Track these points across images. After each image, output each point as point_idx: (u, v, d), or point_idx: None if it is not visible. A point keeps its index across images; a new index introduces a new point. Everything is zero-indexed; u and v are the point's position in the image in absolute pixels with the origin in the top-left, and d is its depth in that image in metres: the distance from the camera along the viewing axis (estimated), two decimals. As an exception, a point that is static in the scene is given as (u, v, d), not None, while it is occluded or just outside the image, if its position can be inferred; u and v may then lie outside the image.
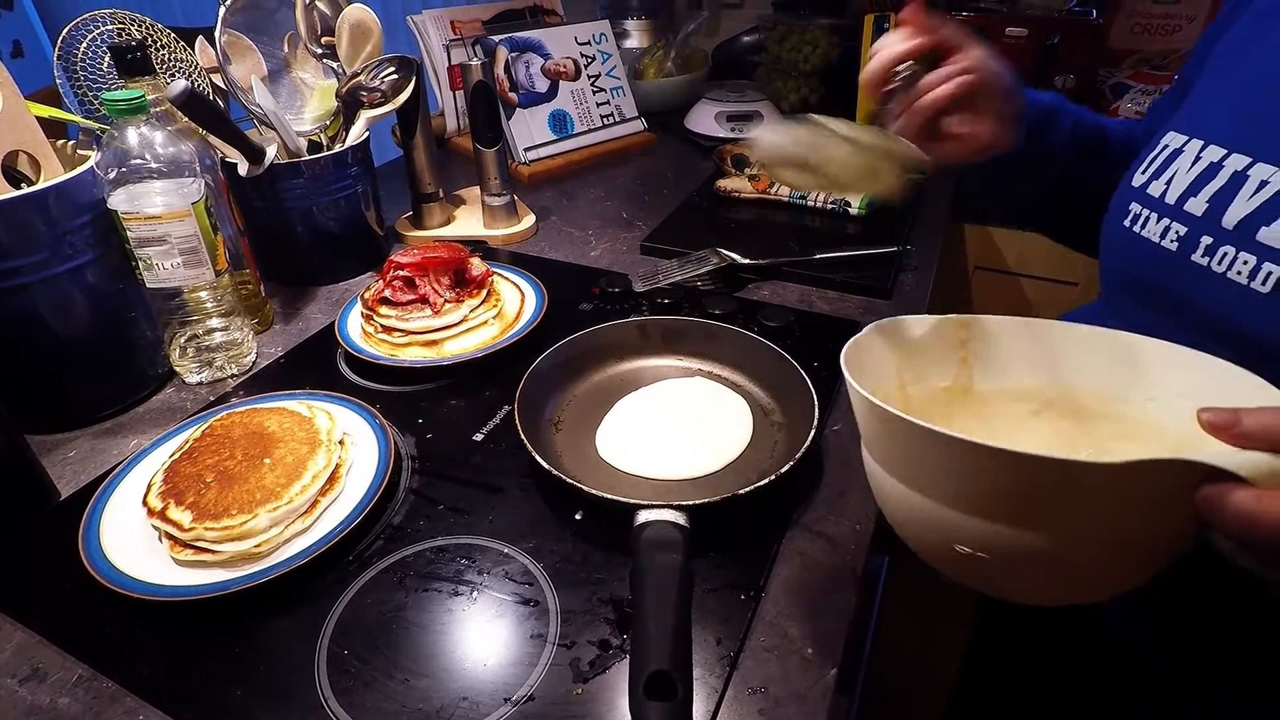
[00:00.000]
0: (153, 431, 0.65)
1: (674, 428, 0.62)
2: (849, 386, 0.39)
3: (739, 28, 1.60)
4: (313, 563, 0.49)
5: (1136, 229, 0.52)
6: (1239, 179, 0.46)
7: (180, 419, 0.66)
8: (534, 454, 0.54)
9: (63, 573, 0.50)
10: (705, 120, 1.29)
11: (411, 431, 0.63)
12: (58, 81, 0.75)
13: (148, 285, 0.65)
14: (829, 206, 0.98)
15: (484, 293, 0.75)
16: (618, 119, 1.26)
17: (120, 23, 0.76)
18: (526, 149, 1.17)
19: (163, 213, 0.62)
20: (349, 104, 0.85)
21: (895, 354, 0.46)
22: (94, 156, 0.63)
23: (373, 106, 0.85)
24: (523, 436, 0.56)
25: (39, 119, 0.62)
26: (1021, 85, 0.59)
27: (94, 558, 0.49)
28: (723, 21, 1.65)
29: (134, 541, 0.51)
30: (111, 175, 0.61)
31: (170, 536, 0.50)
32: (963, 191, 1.10)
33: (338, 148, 0.84)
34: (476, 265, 0.76)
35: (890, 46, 0.55)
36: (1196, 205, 0.48)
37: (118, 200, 0.61)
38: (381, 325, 0.72)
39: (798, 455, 0.53)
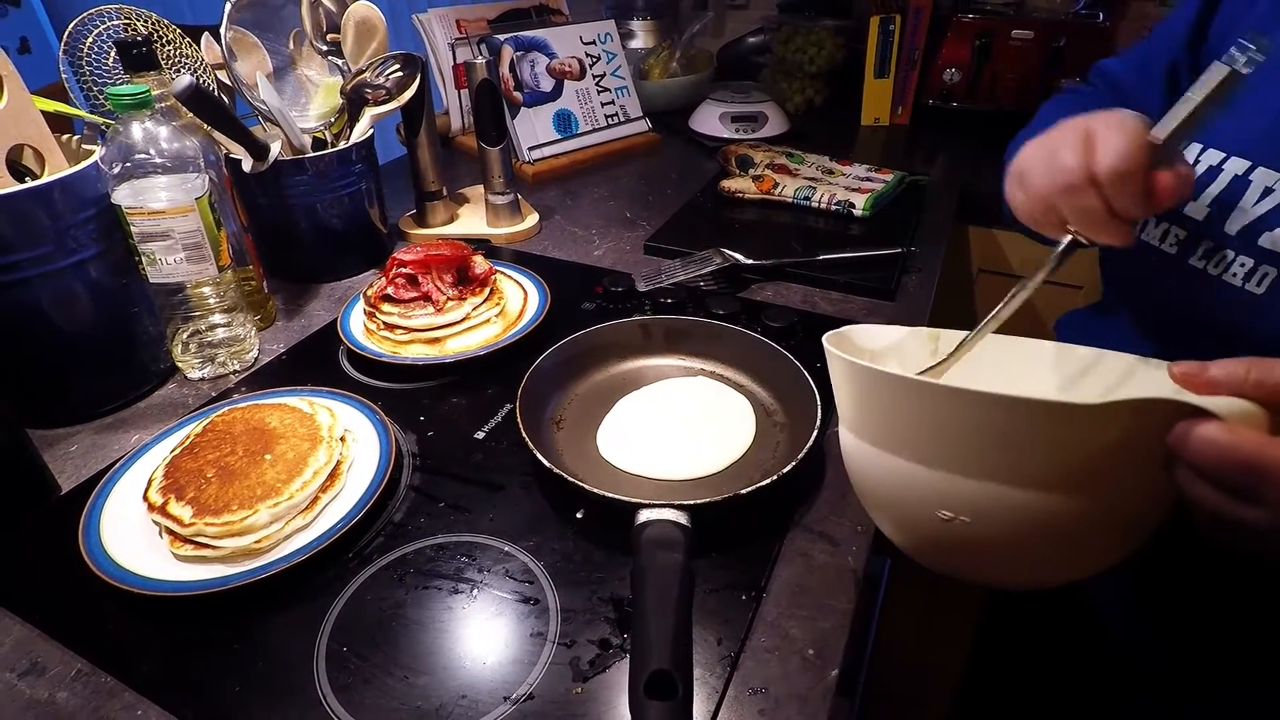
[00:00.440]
0: (154, 427, 0.65)
1: (676, 427, 0.61)
2: (829, 357, 0.39)
3: (744, 28, 1.60)
4: (313, 559, 0.49)
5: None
6: (1240, 184, 0.46)
7: (182, 414, 0.66)
8: (535, 452, 0.54)
9: (63, 567, 0.50)
10: (710, 121, 1.29)
11: (413, 429, 0.63)
12: (63, 76, 0.75)
13: (151, 280, 0.65)
14: (833, 208, 0.97)
15: (487, 291, 0.75)
16: (622, 119, 1.26)
17: (126, 18, 0.76)
18: (531, 148, 1.16)
19: (166, 208, 0.62)
20: (354, 101, 0.85)
21: (867, 357, 0.46)
22: (98, 151, 0.63)
23: (377, 104, 0.85)
24: (524, 434, 0.56)
25: (44, 113, 0.62)
26: None
27: (94, 552, 0.49)
28: (728, 22, 1.65)
29: (134, 537, 0.51)
30: (116, 170, 0.61)
31: (170, 532, 0.50)
32: (969, 194, 1.10)
33: (342, 145, 0.84)
34: (479, 263, 0.76)
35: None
36: (1197, 209, 0.48)
37: (122, 195, 0.61)
38: (384, 322, 0.71)
39: (800, 455, 0.53)
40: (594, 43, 1.24)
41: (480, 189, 1.00)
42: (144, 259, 0.64)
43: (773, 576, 0.49)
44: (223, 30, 0.78)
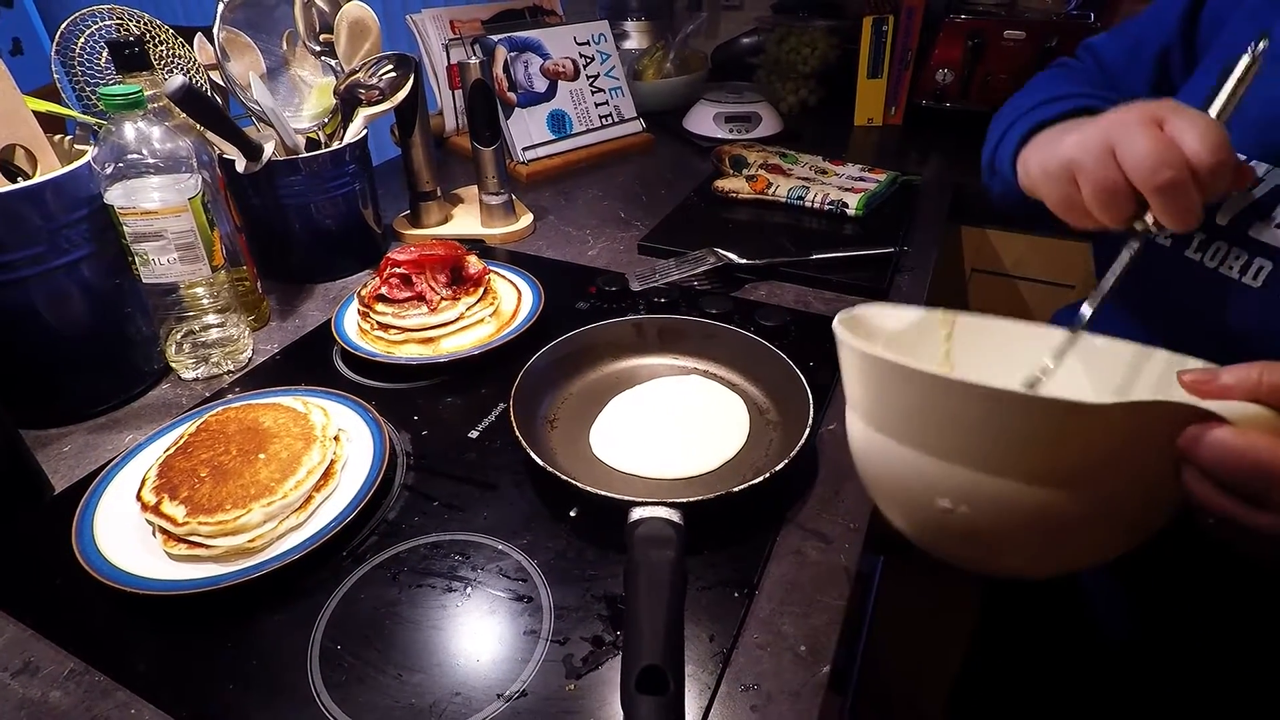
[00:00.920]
0: (148, 427, 0.65)
1: (669, 426, 0.62)
2: (840, 346, 0.39)
3: (738, 29, 1.60)
4: (306, 558, 0.49)
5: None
6: None
7: (175, 414, 0.66)
8: (529, 451, 0.54)
9: (56, 567, 0.50)
10: (704, 121, 1.30)
11: (407, 428, 0.63)
12: (56, 76, 0.75)
13: (144, 281, 0.65)
14: (826, 208, 0.98)
15: (481, 291, 0.75)
16: (616, 119, 1.26)
17: (119, 18, 0.76)
18: (525, 148, 1.17)
19: (159, 208, 0.62)
20: (347, 102, 0.86)
21: (878, 341, 0.46)
22: (91, 151, 0.63)
23: (371, 104, 0.85)
24: (518, 433, 0.56)
25: (37, 114, 0.62)
26: None
27: (88, 552, 0.49)
28: (722, 23, 1.66)
29: (128, 536, 0.51)
30: (108, 170, 0.61)
31: (164, 531, 0.50)
32: (962, 194, 1.11)
33: (336, 145, 0.84)
34: (473, 263, 0.76)
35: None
36: None
37: (114, 195, 0.61)
38: (378, 322, 0.72)
39: (792, 454, 0.53)
40: (588, 43, 1.24)
41: (474, 189, 1.00)
42: (137, 259, 0.64)
43: (765, 574, 0.50)
44: (215, 30, 0.78)
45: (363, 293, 0.74)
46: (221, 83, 0.83)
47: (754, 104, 1.29)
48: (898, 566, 1.06)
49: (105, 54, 0.76)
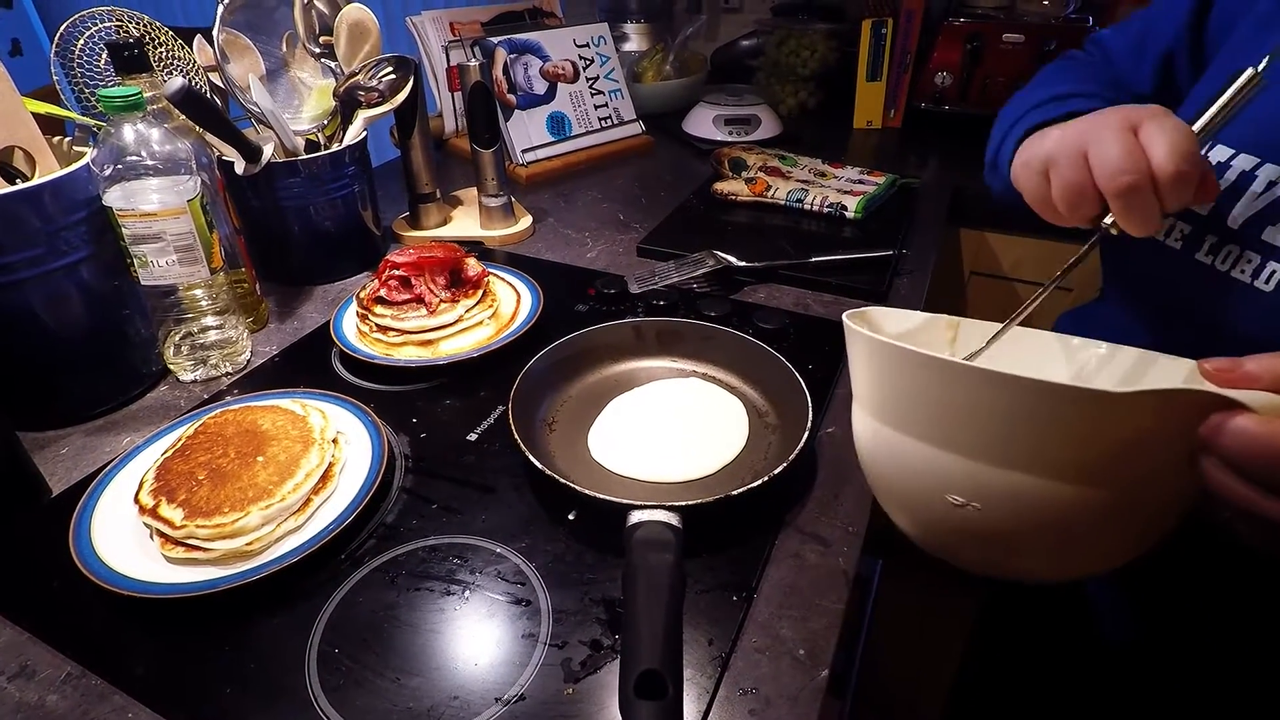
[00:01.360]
0: (145, 429, 0.65)
1: (668, 429, 0.62)
2: (850, 335, 0.38)
3: (738, 31, 1.60)
4: (304, 561, 0.49)
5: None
6: (1246, 179, 0.46)
7: (173, 417, 0.66)
8: (527, 454, 0.54)
9: (53, 570, 0.50)
10: (703, 124, 1.30)
11: (405, 431, 0.63)
12: (55, 78, 0.75)
13: (142, 282, 0.65)
14: (825, 210, 0.98)
15: (480, 293, 0.75)
16: (615, 121, 1.26)
17: (118, 20, 0.76)
18: (524, 150, 1.17)
19: (158, 210, 0.62)
20: (346, 104, 0.86)
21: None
22: (90, 153, 0.62)
23: (370, 106, 0.85)
24: (516, 436, 0.56)
25: (36, 115, 0.62)
26: None
27: (85, 555, 0.49)
28: (721, 25, 1.66)
29: (125, 539, 0.51)
30: (107, 172, 0.61)
31: (162, 534, 0.50)
32: (960, 197, 1.11)
33: (335, 147, 0.84)
34: (473, 266, 0.76)
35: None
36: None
37: (113, 197, 0.61)
38: (377, 325, 0.72)
39: (791, 457, 0.53)
40: (587, 45, 1.24)
41: (474, 191, 1.00)
42: (135, 261, 0.64)
43: (764, 577, 0.50)
44: (215, 32, 0.78)
45: (362, 295, 0.74)
46: (221, 84, 0.83)
47: (753, 106, 1.29)
48: (897, 570, 1.06)
49: (105, 56, 0.76)
